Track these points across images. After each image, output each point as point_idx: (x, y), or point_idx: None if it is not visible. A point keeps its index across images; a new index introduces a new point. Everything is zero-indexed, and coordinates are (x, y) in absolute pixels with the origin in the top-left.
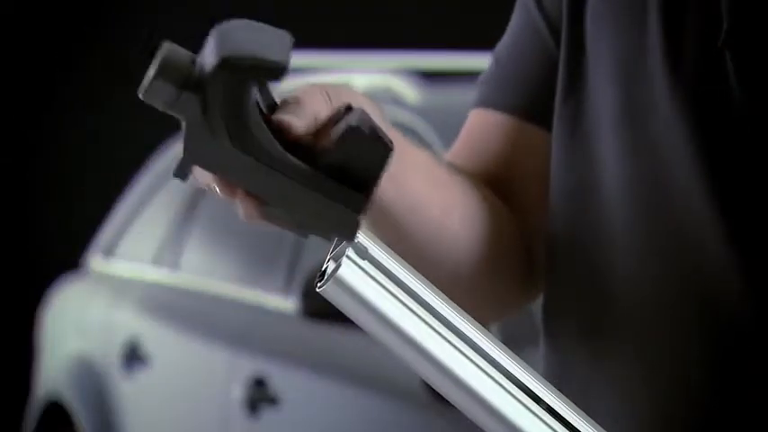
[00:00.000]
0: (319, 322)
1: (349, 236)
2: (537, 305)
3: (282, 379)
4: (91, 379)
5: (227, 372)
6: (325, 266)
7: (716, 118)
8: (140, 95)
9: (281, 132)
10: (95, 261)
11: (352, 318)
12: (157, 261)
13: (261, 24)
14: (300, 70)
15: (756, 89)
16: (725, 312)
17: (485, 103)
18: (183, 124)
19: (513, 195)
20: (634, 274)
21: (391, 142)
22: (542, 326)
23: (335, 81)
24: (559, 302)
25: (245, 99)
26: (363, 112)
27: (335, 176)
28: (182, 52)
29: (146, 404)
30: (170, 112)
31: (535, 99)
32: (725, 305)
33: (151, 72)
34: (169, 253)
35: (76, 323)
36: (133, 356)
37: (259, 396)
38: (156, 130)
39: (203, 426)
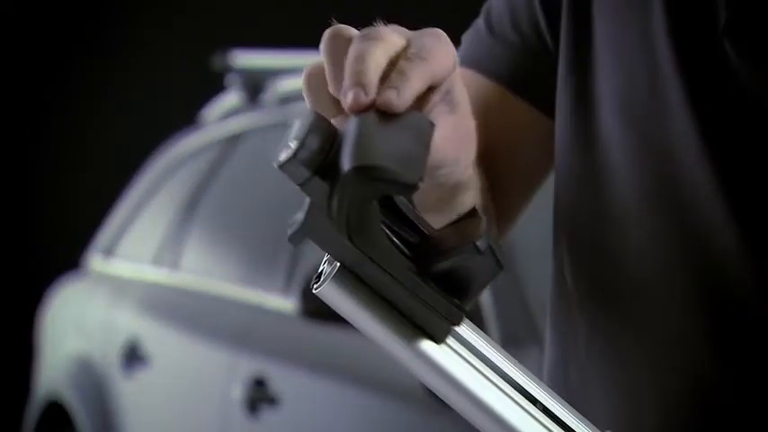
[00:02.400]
0: (319, 322)
1: (438, 339)
2: (537, 306)
3: (282, 379)
4: (91, 379)
5: (227, 372)
6: (321, 268)
7: (720, 104)
8: (275, 165)
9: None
10: (95, 261)
11: (348, 320)
12: (157, 261)
13: (403, 116)
14: (301, 71)
15: (758, 77)
16: (731, 292)
17: (470, 63)
18: (308, 200)
19: (488, 163)
20: (640, 253)
21: (505, 260)
22: (549, 307)
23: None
24: (567, 282)
25: (370, 203)
26: (489, 227)
27: (438, 279)
28: (324, 130)
29: (145, 404)
30: (296, 185)
31: (521, 69)
32: (731, 285)
33: (290, 148)
34: (169, 253)
35: (76, 323)
36: (133, 356)
37: (259, 396)
38: (157, 131)
39: (203, 426)
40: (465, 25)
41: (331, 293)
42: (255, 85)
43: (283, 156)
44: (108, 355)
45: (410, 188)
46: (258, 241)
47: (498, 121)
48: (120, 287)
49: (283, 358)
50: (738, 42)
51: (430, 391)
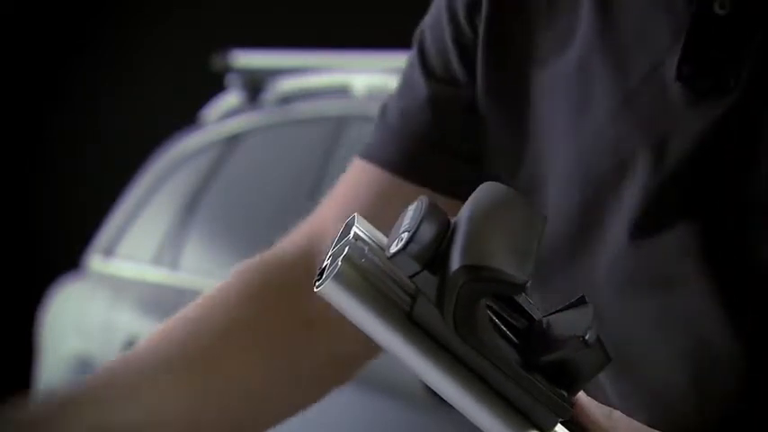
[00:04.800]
0: None
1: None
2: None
3: None
4: None
5: None
6: (323, 265)
7: (666, 159)
8: (386, 257)
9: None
10: (95, 261)
11: (349, 318)
12: (157, 261)
13: (515, 209)
14: (301, 71)
15: (709, 124)
16: (707, 343)
17: (364, 154)
18: (419, 293)
19: None
20: (617, 305)
21: (613, 351)
22: None
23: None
24: None
25: (479, 299)
26: (595, 315)
27: (545, 370)
28: (437, 221)
29: None
30: (404, 276)
31: (411, 155)
32: (707, 337)
33: (402, 239)
34: (169, 253)
35: (76, 323)
36: None
37: None
38: (157, 131)
39: None
40: None
41: (333, 291)
42: (255, 85)
43: (394, 247)
44: (108, 355)
45: (519, 288)
46: (258, 241)
47: (389, 207)
48: (119, 287)
49: None
50: (691, 84)
51: (430, 390)
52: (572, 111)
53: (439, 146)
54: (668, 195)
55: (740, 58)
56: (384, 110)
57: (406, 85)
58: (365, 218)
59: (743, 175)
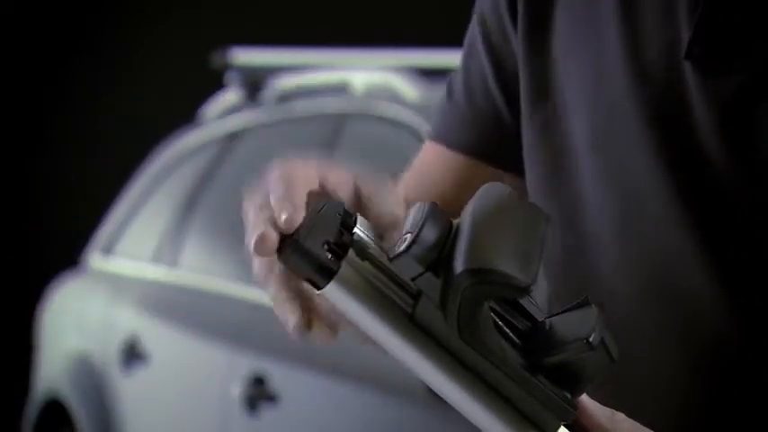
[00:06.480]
0: None
1: None
2: None
3: (282, 377)
4: (90, 377)
5: (227, 370)
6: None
7: (678, 136)
8: (388, 259)
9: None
10: (94, 259)
11: (353, 321)
12: (156, 259)
13: (518, 211)
14: (300, 68)
15: (721, 101)
16: (705, 329)
17: (437, 137)
18: (422, 295)
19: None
20: (611, 283)
21: (617, 352)
22: None
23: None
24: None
25: (482, 302)
26: (599, 316)
27: (548, 371)
28: (440, 223)
29: (145, 402)
30: (406, 278)
31: (486, 138)
32: (704, 322)
33: (405, 240)
34: (168, 250)
35: (76, 321)
36: (132, 354)
37: (258, 394)
38: (156, 129)
39: (202, 424)
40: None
41: (335, 293)
42: (255, 82)
43: (396, 249)
44: (107, 353)
45: (523, 291)
46: None
47: (468, 191)
48: (119, 285)
49: (283, 356)
50: (701, 64)
51: (430, 389)
52: (590, 82)
53: (508, 125)
54: (674, 173)
55: (752, 42)
56: (450, 87)
57: (468, 58)
58: (442, 202)
59: (746, 156)
